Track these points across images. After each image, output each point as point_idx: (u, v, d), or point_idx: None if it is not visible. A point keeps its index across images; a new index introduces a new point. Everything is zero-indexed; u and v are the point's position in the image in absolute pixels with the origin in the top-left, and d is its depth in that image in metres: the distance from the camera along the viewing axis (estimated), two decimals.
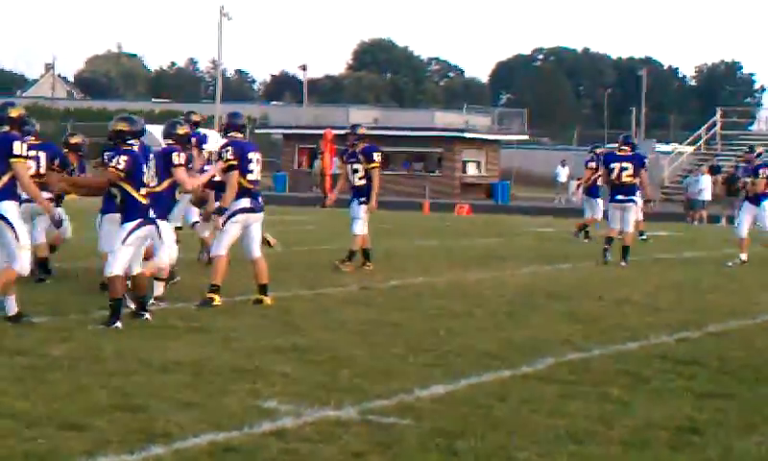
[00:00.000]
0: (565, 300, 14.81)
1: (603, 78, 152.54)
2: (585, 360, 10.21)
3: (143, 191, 11.47)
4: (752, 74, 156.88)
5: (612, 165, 20.98)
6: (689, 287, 16.86)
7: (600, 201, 27.30)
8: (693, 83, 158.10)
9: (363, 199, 17.82)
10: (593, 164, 27.37)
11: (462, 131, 66.22)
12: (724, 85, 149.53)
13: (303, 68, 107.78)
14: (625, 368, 9.82)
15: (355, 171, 17.97)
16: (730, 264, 20.94)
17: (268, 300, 13.40)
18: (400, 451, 6.87)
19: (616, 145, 22.05)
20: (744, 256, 21.22)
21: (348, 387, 8.64)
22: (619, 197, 20.84)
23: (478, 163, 67.36)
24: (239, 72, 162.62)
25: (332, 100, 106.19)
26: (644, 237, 27.32)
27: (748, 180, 21.65)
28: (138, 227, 11.40)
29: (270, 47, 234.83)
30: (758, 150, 22.60)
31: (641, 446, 7.17)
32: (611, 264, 20.32)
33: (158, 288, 13.14)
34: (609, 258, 20.47)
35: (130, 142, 11.58)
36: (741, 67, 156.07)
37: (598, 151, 28.24)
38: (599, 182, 27.25)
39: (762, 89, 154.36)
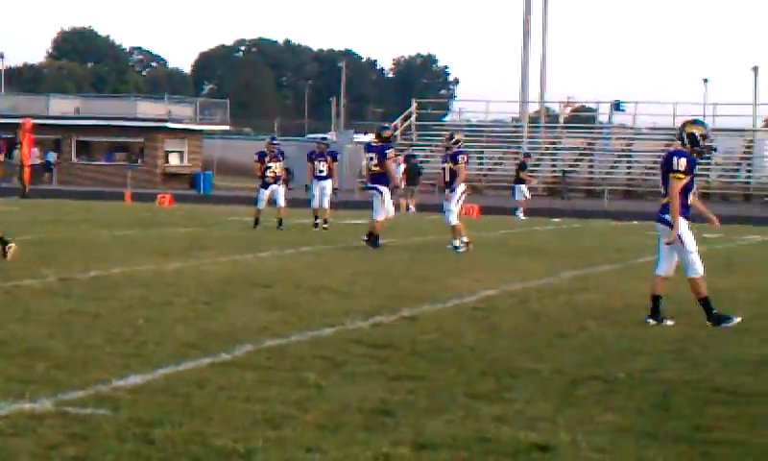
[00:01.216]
0: (265, 287, 14.97)
1: (304, 69, 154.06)
2: (282, 346, 10.37)
3: None
4: (446, 67, 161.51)
5: (368, 154, 22.41)
6: (384, 273, 17.30)
7: (265, 192, 28.07)
8: (391, 75, 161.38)
9: None
10: (255, 156, 28.68)
11: (164, 121, 65.71)
12: (420, 78, 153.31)
13: (0, 57, 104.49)
14: (321, 353, 10.03)
15: None
16: (453, 246, 21.85)
17: None
18: (96, 442, 6.84)
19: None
20: (465, 239, 22.13)
21: (44, 379, 8.52)
22: (368, 185, 22.56)
23: (181, 153, 67.02)
24: None
25: (32, 89, 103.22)
26: (325, 226, 28.16)
27: (445, 166, 22.61)
28: None
29: None
30: (457, 136, 23.46)
31: (336, 428, 7.35)
32: (310, 253, 20.77)
33: None
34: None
35: None
36: (436, 60, 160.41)
37: (275, 142, 29.12)
38: (269, 174, 28.12)
39: (456, 82, 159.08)
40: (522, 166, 41.03)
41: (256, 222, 27.97)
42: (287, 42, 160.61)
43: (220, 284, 15.20)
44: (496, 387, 8.81)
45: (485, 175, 61.05)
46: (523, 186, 40.01)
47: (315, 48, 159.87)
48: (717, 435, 7.47)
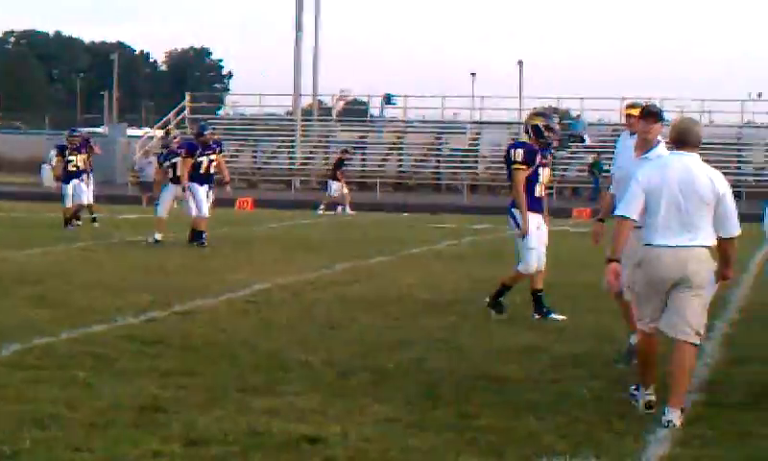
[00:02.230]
0: (34, 284, 14.68)
1: (76, 62, 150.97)
2: (51, 345, 10.22)
3: None
4: (220, 60, 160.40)
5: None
6: (157, 269, 17.16)
7: (68, 187, 27.08)
8: (164, 68, 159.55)
9: None
10: (55, 150, 27.74)
11: None
12: (194, 71, 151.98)
13: None
14: (92, 350, 9.93)
15: None
16: (150, 241, 21.58)
17: None
18: None
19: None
20: (159, 236, 21.91)
21: None
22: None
23: None
24: None
25: None
26: (94, 218, 27.46)
27: (177, 160, 22.75)
28: None
29: None
30: (173, 133, 23.72)
31: (106, 426, 7.30)
32: (83, 249, 20.48)
33: None
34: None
35: None
36: (210, 53, 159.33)
37: (75, 134, 28.16)
38: (71, 168, 27.05)
39: (230, 75, 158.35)
40: (340, 163, 41.16)
41: (68, 221, 26.67)
42: (58, 34, 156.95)
43: None
44: (268, 380, 8.88)
45: (259, 168, 61.00)
46: (336, 183, 40.06)
47: (87, 40, 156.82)
48: (483, 422, 7.71)
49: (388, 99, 66.00)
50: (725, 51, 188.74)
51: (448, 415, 7.89)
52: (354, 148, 62.00)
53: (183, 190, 22.25)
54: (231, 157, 60.51)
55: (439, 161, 60.52)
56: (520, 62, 73.58)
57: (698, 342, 8.14)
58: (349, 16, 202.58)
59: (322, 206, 39.29)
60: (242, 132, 63.38)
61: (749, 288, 15.67)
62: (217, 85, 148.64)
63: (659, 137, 9.82)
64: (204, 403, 8.04)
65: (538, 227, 12.76)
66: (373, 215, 37.58)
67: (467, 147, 61.02)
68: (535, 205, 12.65)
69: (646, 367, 8.27)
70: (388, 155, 61.45)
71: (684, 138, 8.20)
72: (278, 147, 62.71)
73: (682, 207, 8.03)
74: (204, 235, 21.53)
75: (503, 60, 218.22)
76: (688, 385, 8.22)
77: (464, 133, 62.34)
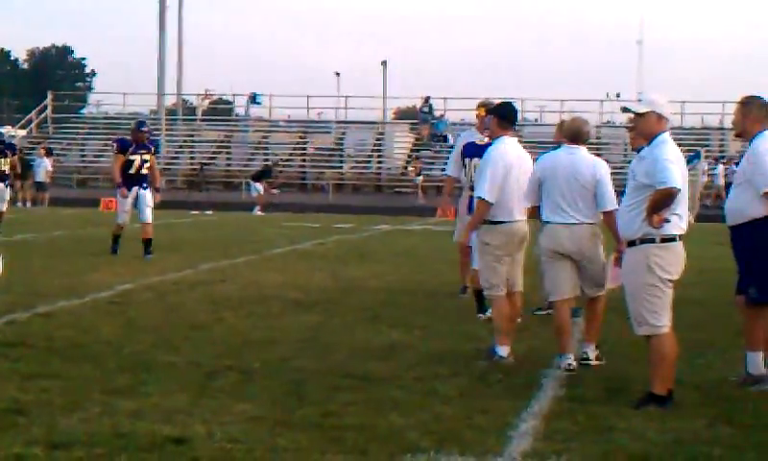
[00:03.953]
0: None
1: None
2: None
3: None
4: (83, 58, 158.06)
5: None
6: (19, 270, 16.82)
7: None
8: (26, 66, 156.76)
9: None
10: None
11: None
12: (56, 69, 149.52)
13: None
14: None
15: None
16: None
17: None
18: None
19: None
20: None
21: None
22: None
23: None
24: None
25: None
26: None
27: None
28: None
29: None
30: None
31: None
32: None
33: None
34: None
35: None
36: (73, 51, 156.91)
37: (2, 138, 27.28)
38: None
39: (93, 74, 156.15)
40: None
41: None
42: None
43: None
44: (133, 382, 8.82)
45: None
46: (258, 185, 40.28)
47: None
48: (347, 420, 7.76)
49: (253, 98, 65.76)
50: (584, 51, 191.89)
51: (314, 413, 7.93)
52: (219, 147, 61.76)
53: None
54: (95, 156, 59.84)
55: (304, 160, 60.54)
56: (384, 62, 73.57)
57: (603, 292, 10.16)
58: (214, 15, 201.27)
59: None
60: (106, 131, 62.59)
61: None
62: (80, 84, 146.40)
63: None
64: (68, 406, 7.95)
65: None
66: (238, 214, 37.47)
67: (332, 146, 61.15)
68: None
69: (561, 334, 9.87)
70: (254, 154, 61.24)
71: (575, 136, 9.94)
72: None
73: (568, 192, 9.71)
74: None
75: (367, 60, 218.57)
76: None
77: (329, 132, 62.46)
